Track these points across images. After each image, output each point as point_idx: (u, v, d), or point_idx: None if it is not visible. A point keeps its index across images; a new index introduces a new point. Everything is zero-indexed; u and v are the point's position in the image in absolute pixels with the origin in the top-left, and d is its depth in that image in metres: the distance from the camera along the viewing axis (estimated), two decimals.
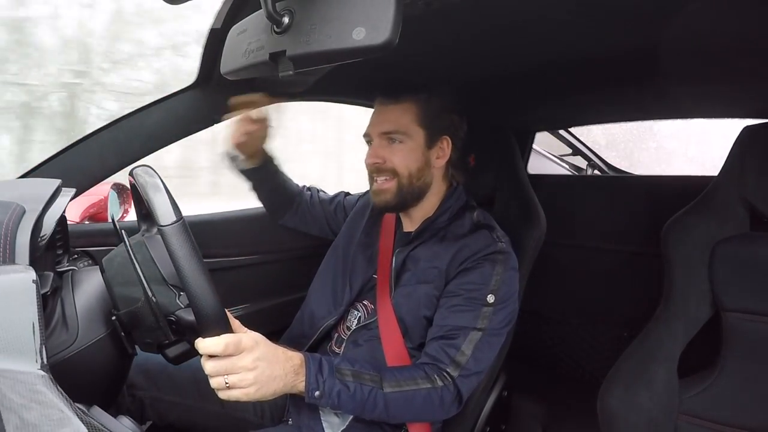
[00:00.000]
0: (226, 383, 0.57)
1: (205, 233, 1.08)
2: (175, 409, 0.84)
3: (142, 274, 0.55)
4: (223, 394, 0.58)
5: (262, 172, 1.03)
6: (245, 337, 0.58)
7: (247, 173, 1.03)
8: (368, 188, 1.08)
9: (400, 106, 0.85)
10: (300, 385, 0.66)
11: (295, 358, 0.67)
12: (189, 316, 0.56)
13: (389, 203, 0.87)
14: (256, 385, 0.59)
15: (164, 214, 0.51)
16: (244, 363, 0.57)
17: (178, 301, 0.59)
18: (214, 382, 0.58)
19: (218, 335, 0.55)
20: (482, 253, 0.81)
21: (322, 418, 0.81)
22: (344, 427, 0.80)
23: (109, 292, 0.57)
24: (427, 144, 0.86)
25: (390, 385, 0.72)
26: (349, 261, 0.95)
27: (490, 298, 0.78)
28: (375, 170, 0.87)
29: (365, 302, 0.90)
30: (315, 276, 1.01)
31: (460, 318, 0.78)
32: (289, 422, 0.86)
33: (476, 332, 0.77)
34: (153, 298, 0.54)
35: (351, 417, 0.81)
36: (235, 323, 0.59)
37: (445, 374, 0.75)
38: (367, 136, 0.89)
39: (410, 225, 0.92)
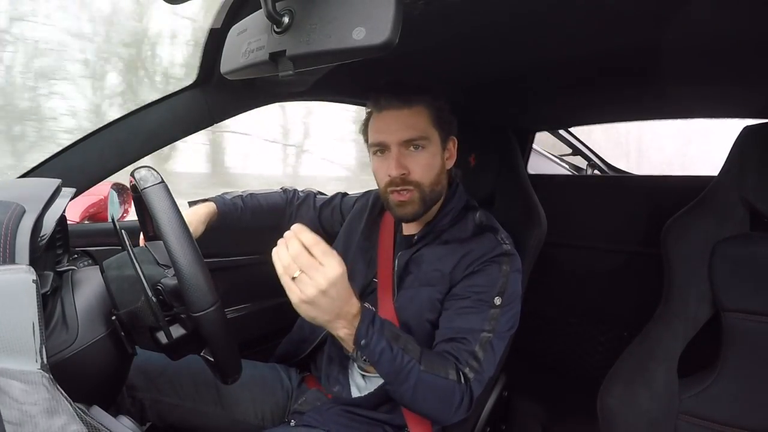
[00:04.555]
0: (294, 278, 0.58)
1: (205, 233, 1.08)
2: (175, 410, 0.84)
3: (142, 273, 0.55)
4: (285, 279, 0.59)
5: (222, 224, 1.00)
6: (337, 258, 0.60)
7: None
8: (367, 189, 1.09)
9: (413, 109, 0.81)
10: (343, 332, 0.65)
11: (356, 307, 0.65)
12: (174, 281, 0.56)
13: (418, 213, 0.84)
14: (311, 304, 0.59)
15: (145, 179, 0.55)
16: (318, 275, 0.58)
17: (165, 272, 0.60)
18: (282, 267, 0.59)
19: (199, 285, 0.53)
20: (488, 256, 0.81)
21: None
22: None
23: (109, 292, 0.57)
24: (442, 146, 0.85)
25: (426, 364, 0.69)
26: (348, 265, 0.94)
27: (497, 300, 0.78)
28: (400, 182, 0.81)
29: (366, 305, 0.90)
30: None
31: (469, 320, 0.77)
32: (291, 424, 0.86)
33: (486, 334, 0.76)
34: (152, 298, 0.54)
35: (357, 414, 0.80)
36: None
37: (461, 374, 0.72)
38: (381, 145, 0.82)
39: (411, 228, 0.92)
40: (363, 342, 0.65)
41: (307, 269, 0.58)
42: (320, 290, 0.58)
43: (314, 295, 0.58)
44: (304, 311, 0.60)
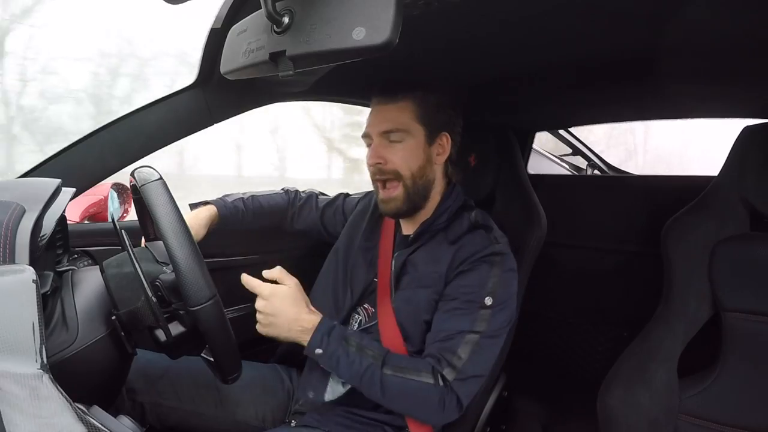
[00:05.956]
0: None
1: (206, 236, 1.08)
2: (174, 413, 0.84)
3: (140, 270, 0.55)
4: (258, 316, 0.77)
5: (226, 225, 1.00)
6: (266, 287, 0.76)
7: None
8: (369, 190, 1.09)
9: (398, 104, 0.84)
10: (304, 341, 0.75)
11: (307, 321, 0.76)
12: (172, 276, 0.56)
13: (400, 210, 0.86)
14: (266, 327, 0.76)
15: (144, 177, 0.56)
16: (261, 306, 0.76)
17: (164, 269, 0.60)
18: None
19: (196, 279, 0.54)
20: (479, 255, 0.81)
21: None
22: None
23: (109, 291, 0.57)
24: (428, 141, 0.86)
25: (391, 368, 0.74)
26: (350, 265, 0.94)
27: (488, 301, 0.78)
28: (377, 171, 0.85)
29: (366, 306, 0.90)
30: (316, 281, 1.00)
31: (456, 321, 0.77)
32: (292, 424, 0.86)
33: (473, 335, 0.76)
34: (152, 297, 0.54)
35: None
36: (281, 273, 0.78)
37: (440, 377, 0.74)
38: (367, 137, 0.88)
39: (409, 227, 0.91)
40: (318, 351, 0.75)
41: (258, 306, 0.76)
42: (265, 316, 0.76)
43: (263, 320, 0.76)
44: (267, 333, 0.77)
